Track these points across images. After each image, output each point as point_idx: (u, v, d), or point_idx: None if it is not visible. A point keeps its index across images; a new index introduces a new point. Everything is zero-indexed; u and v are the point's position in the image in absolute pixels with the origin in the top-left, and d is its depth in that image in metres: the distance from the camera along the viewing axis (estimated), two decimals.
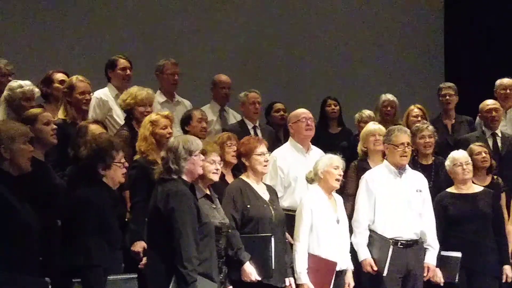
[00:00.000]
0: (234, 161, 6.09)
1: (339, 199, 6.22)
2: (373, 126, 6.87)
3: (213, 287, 5.08)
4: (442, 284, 6.40)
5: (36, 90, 5.95)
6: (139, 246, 5.61)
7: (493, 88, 8.13)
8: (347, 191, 6.67)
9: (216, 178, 5.50)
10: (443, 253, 6.40)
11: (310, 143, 6.65)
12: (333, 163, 6.07)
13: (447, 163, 6.65)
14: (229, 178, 6.12)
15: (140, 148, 5.91)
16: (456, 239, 6.44)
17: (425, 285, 6.35)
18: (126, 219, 5.75)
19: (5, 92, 5.87)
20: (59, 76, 6.73)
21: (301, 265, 5.91)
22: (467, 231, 6.44)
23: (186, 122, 6.82)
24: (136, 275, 5.02)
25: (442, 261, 6.38)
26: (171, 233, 4.84)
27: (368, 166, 6.66)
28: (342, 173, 6.11)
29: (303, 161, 6.44)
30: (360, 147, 6.90)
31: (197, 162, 5.07)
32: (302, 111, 6.66)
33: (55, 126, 5.46)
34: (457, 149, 6.86)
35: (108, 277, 4.80)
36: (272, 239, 5.65)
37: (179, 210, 4.85)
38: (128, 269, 5.18)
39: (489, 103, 7.68)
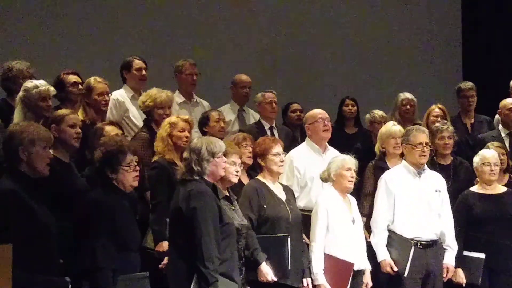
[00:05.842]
0: (249, 161, 6.08)
1: (353, 199, 6.19)
2: (394, 128, 6.81)
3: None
4: (464, 285, 6.35)
5: (52, 89, 5.84)
6: (165, 246, 5.58)
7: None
8: (365, 191, 6.69)
9: (236, 180, 5.51)
10: (466, 253, 6.36)
11: (327, 144, 6.64)
12: (345, 165, 6.02)
13: (476, 160, 6.57)
14: (244, 179, 6.11)
15: (157, 148, 5.93)
16: (479, 239, 6.39)
17: (446, 285, 6.32)
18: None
19: (21, 93, 5.77)
20: (71, 78, 6.60)
21: (317, 265, 5.88)
22: (491, 231, 6.39)
23: (204, 123, 6.86)
24: (147, 274, 4.97)
25: (464, 262, 6.33)
26: (193, 233, 4.84)
27: (385, 166, 6.65)
28: (355, 174, 6.06)
29: (319, 162, 6.42)
30: (378, 147, 6.86)
31: (219, 164, 5.08)
32: (319, 112, 6.65)
33: (79, 130, 5.40)
34: (476, 148, 6.80)
35: (119, 277, 4.77)
36: (289, 239, 5.64)
37: (201, 210, 4.85)
38: (144, 270, 5.15)
39: (510, 101, 7.65)
